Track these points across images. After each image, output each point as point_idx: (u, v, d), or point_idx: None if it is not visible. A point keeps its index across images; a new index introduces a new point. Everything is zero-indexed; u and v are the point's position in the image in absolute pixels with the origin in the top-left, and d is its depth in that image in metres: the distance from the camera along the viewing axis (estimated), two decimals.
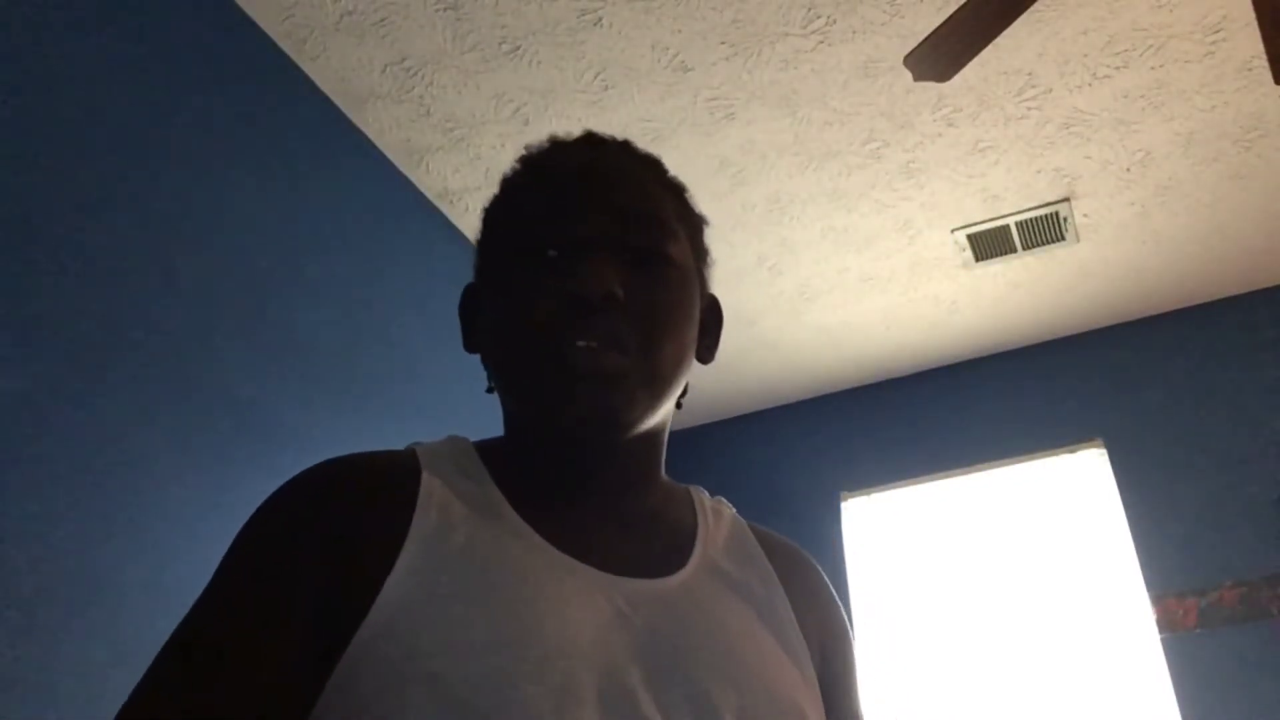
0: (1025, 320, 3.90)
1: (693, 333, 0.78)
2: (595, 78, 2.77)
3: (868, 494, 4.04)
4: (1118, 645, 3.41)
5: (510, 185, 0.81)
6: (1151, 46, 2.77)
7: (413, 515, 0.68)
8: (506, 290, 0.75)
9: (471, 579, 0.65)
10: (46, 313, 1.80)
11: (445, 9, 2.55)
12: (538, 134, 2.92)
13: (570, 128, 2.90)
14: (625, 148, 0.82)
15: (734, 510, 0.86)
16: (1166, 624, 3.36)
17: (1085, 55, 2.79)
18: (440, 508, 0.70)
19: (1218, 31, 2.73)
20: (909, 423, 4.10)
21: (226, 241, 2.29)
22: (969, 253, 3.50)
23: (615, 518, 0.76)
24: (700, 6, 2.58)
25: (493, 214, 0.82)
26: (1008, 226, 3.39)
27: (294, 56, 2.64)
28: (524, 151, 0.83)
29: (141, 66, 2.17)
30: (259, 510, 0.70)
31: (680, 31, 2.65)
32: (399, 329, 2.80)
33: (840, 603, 0.85)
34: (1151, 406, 3.74)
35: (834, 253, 3.49)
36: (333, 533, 0.67)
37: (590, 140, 0.82)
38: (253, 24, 2.53)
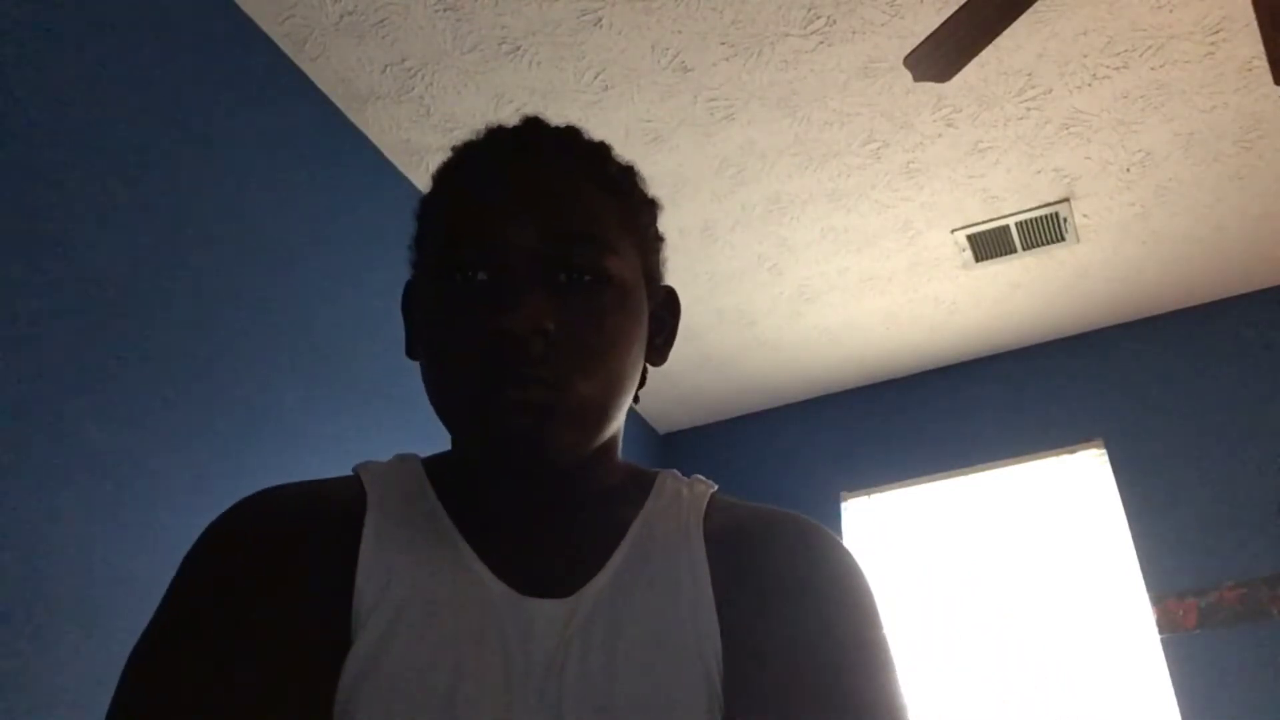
0: (1025, 321, 3.90)
1: (636, 349, 0.74)
2: (595, 78, 2.77)
3: (868, 494, 4.04)
4: (1118, 645, 3.41)
5: (441, 186, 0.76)
6: (1151, 47, 2.77)
7: (356, 562, 0.69)
8: (434, 312, 0.71)
9: (411, 648, 0.66)
10: (46, 313, 1.80)
11: (445, 9, 2.55)
12: None
13: None
14: (565, 143, 0.75)
15: (711, 489, 0.80)
16: (1166, 624, 3.36)
17: (1085, 56, 2.79)
18: (382, 552, 0.70)
19: (1218, 32, 2.73)
20: (909, 423, 4.11)
21: (226, 241, 2.29)
22: (969, 253, 3.50)
23: (560, 529, 0.74)
24: (700, 7, 2.58)
25: (426, 213, 0.77)
26: (1008, 227, 3.39)
27: (294, 57, 2.64)
28: (460, 145, 0.77)
29: (141, 67, 2.17)
30: (191, 555, 0.69)
31: (680, 32, 2.65)
32: (399, 328, 2.80)
33: (829, 562, 0.72)
34: (1151, 407, 3.74)
35: (834, 253, 3.49)
36: (272, 578, 0.67)
37: (527, 137, 0.75)
38: (253, 24, 2.53)
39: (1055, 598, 3.55)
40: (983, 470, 3.90)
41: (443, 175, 0.76)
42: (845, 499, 4.04)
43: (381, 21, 2.56)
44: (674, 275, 3.53)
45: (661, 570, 0.71)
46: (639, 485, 0.79)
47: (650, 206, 0.80)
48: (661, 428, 4.47)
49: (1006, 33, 2.69)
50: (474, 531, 0.73)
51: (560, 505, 0.75)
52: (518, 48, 2.66)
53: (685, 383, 4.18)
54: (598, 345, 0.69)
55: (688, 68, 2.75)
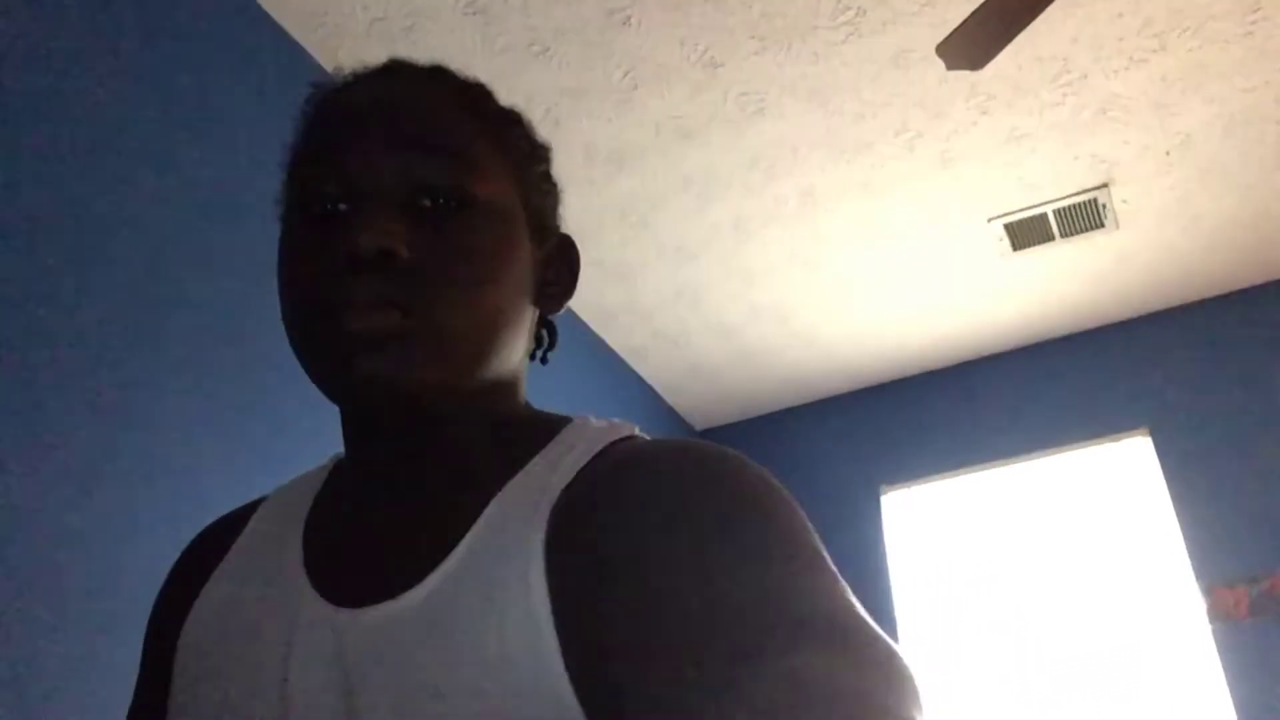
0: (1066, 309, 3.86)
1: (512, 282, 0.64)
2: (624, 76, 2.77)
3: (908, 487, 4.01)
4: (1168, 635, 3.37)
5: (298, 127, 0.69)
6: (1189, 28, 2.72)
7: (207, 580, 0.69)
8: (283, 252, 0.64)
9: (198, 681, 0.64)
10: (47, 312, 1.83)
11: (473, 13, 2.56)
12: (569, 134, 2.93)
13: (601, 127, 2.91)
14: (432, 74, 0.68)
15: (620, 435, 0.64)
16: (1217, 613, 3.31)
17: (1121, 39, 2.75)
18: (222, 578, 0.68)
19: (1257, 10, 2.68)
20: (949, 414, 4.07)
21: (252, 246, 2.31)
22: (1007, 242, 3.46)
23: (425, 506, 0.64)
24: (729, 2, 2.57)
25: (289, 161, 0.68)
26: (1046, 215, 3.35)
27: (325, 65, 2.66)
28: (320, 86, 0.70)
29: (173, 76, 2.19)
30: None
31: (709, 28, 2.64)
32: None
33: (704, 484, 0.54)
34: (1197, 393, 3.68)
35: (869, 246, 3.47)
36: (171, 599, 0.71)
37: (387, 69, 0.68)
38: (285, 33, 2.55)
39: (1103, 588, 3.51)
40: (1026, 460, 3.86)
41: (301, 117, 0.69)
42: (885, 492, 4.01)
43: (411, 27, 2.58)
44: (707, 271, 3.53)
45: (495, 568, 0.57)
46: (535, 442, 0.65)
47: (534, 146, 0.72)
48: (698, 424, 4.47)
49: (1040, 17, 2.65)
50: (326, 530, 0.66)
51: (435, 473, 0.64)
52: (547, 49, 2.67)
53: (722, 379, 4.17)
54: (462, 270, 0.61)
55: (717, 63, 2.75)
